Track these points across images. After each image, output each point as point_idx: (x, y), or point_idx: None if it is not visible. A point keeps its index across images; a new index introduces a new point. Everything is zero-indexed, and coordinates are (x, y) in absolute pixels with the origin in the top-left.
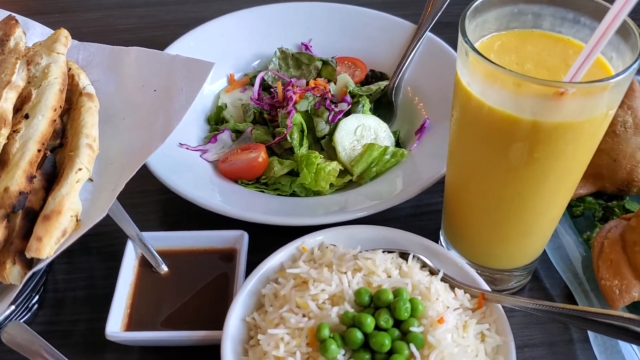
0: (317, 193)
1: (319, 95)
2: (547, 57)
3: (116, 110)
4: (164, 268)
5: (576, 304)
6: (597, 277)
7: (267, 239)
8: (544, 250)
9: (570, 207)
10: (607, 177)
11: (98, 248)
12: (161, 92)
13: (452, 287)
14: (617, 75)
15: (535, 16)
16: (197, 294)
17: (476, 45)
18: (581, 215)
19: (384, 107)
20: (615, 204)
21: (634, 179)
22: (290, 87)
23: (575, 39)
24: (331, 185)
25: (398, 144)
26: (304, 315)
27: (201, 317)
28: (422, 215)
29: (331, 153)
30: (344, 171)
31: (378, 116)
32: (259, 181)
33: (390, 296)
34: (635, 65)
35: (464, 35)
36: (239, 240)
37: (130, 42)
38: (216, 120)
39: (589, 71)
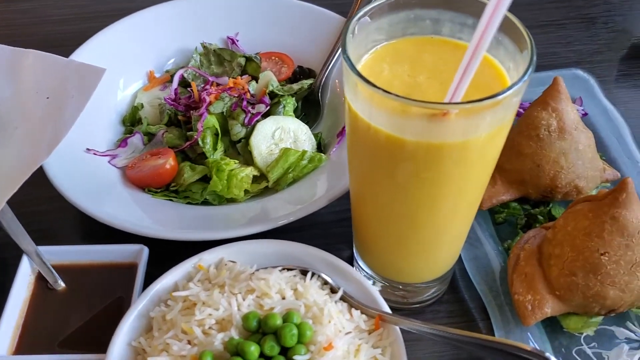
0: (232, 200)
1: (236, 95)
2: (443, 67)
3: (10, 118)
4: (61, 284)
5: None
6: (511, 292)
7: (171, 252)
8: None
9: (493, 213)
10: (530, 183)
11: None
12: (53, 100)
13: (352, 307)
14: (501, 93)
15: (434, 22)
16: (94, 312)
17: (368, 54)
18: (504, 222)
19: (310, 107)
20: (538, 210)
21: (558, 186)
22: (208, 87)
23: None
24: (247, 192)
25: (320, 147)
26: (189, 342)
27: (97, 339)
28: (343, 221)
29: (247, 158)
30: (262, 177)
31: (305, 116)
32: (169, 189)
33: (278, 321)
34: (521, 83)
35: (345, 51)
36: (139, 255)
37: (65, 34)
38: (132, 122)
39: (486, 84)
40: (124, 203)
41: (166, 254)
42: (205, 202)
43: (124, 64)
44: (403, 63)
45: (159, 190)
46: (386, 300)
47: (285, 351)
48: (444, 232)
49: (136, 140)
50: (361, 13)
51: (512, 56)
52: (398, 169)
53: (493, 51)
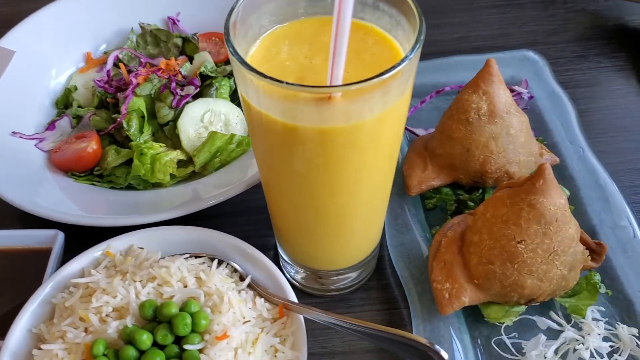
0: (158, 185)
1: (166, 77)
2: None
3: None
4: None
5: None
6: (430, 279)
7: (90, 239)
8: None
9: (424, 199)
10: (460, 168)
11: None
12: None
13: (258, 296)
14: (383, 74)
15: None
16: (7, 298)
17: (267, 34)
18: (434, 208)
19: None
20: (468, 196)
21: (488, 171)
22: (140, 68)
23: (378, 26)
24: (174, 176)
25: None
26: (85, 329)
27: (4, 325)
28: None
29: (175, 141)
30: (190, 161)
31: None
32: (93, 173)
33: (174, 310)
34: (403, 64)
35: (228, 38)
36: (53, 240)
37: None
38: (65, 104)
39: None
40: (44, 187)
41: (85, 240)
42: (131, 187)
43: (60, 45)
44: (302, 44)
45: (83, 175)
46: (309, 288)
47: (180, 340)
48: (350, 219)
49: (64, 123)
50: None
51: (408, 36)
52: (293, 156)
53: (393, 32)
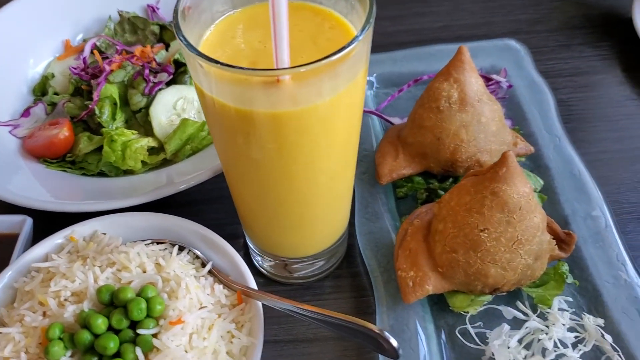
0: (129, 172)
1: (140, 64)
2: (297, 34)
3: None
4: None
5: None
6: (395, 267)
7: (60, 224)
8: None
9: (395, 187)
10: (431, 157)
11: None
12: None
13: (218, 282)
14: (328, 57)
15: None
16: None
17: (221, 19)
18: (405, 197)
19: None
20: (439, 185)
21: (458, 160)
22: (115, 56)
23: (335, 11)
24: (145, 163)
25: None
26: (44, 313)
27: None
28: None
29: (148, 129)
30: (162, 148)
31: None
32: (65, 159)
33: (130, 295)
34: (350, 47)
35: (176, 17)
36: (21, 225)
37: None
38: (42, 91)
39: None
40: (15, 173)
41: (54, 226)
42: (103, 174)
43: (39, 33)
44: (257, 29)
45: (55, 161)
46: (277, 276)
47: (136, 324)
48: (311, 206)
49: (39, 110)
50: None
51: (362, 20)
52: (248, 142)
53: (349, 16)
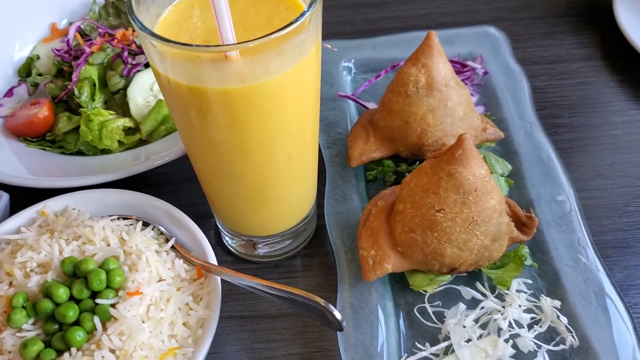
0: (106, 151)
1: (120, 47)
2: (254, 14)
3: None
4: None
5: None
6: (358, 246)
7: (34, 201)
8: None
9: (365, 170)
10: (400, 141)
11: None
12: None
13: (181, 257)
14: (272, 33)
15: None
16: None
17: (178, 0)
18: (374, 179)
19: None
20: (405, 168)
21: (425, 143)
22: (97, 38)
23: None
24: (122, 143)
25: None
26: (10, 283)
27: None
28: None
29: (126, 109)
30: (138, 129)
31: None
32: (45, 138)
33: (91, 266)
34: (296, 24)
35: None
36: None
37: None
38: (27, 73)
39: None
40: None
41: (30, 202)
42: (81, 153)
43: (26, 16)
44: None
45: (35, 140)
46: (247, 255)
47: (96, 295)
48: (271, 185)
49: (21, 90)
50: None
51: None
52: (201, 119)
53: None
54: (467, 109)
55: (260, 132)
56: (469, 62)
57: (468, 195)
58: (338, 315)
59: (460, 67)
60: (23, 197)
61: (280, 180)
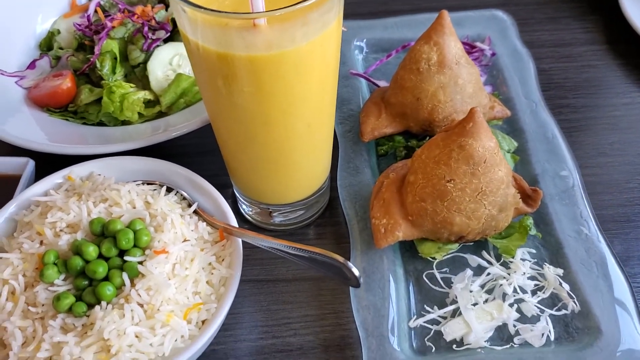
0: (127, 123)
1: (140, 22)
2: None
3: None
4: None
5: None
6: (370, 216)
7: (57, 167)
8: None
9: (377, 145)
10: (411, 117)
11: None
12: None
13: (203, 221)
14: (297, 3)
15: None
16: None
17: None
18: (385, 154)
19: None
20: (416, 143)
21: (435, 119)
22: (117, 14)
23: None
24: (142, 115)
25: None
26: (41, 242)
27: None
28: None
29: (145, 83)
30: (158, 101)
31: None
32: (67, 109)
33: (119, 226)
34: None
35: None
36: (24, 167)
37: None
38: (48, 46)
39: None
40: (19, 119)
41: (54, 168)
42: (102, 124)
43: None
44: None
45: (58, 111)
46: (262, 223)
47: (124, 253)
48: (290, 153)
49: (44, 62)
50: None
51: None
52: (227, 85)
53: None
54: (476, 87)
55: (283, 100)
56: (478, 43)
57: (477, 167)
58: (356, 272)
59: (469, 48)
60: (46, 165)
61: (299, 148)
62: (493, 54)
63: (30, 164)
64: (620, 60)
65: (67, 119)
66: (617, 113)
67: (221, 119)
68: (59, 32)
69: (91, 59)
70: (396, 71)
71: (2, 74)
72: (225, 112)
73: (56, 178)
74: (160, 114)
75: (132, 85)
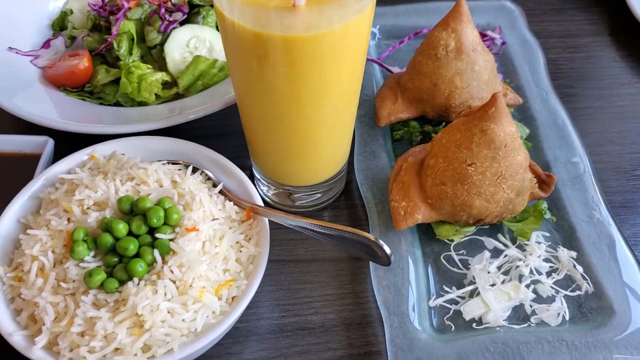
0: (143, 104)
1: (157, 4)
2: None
3: None
4: None
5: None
6: (389, 199)
7: (77, 146)
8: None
9: (392, 130)
10: (427, 102)
11: None
12: None
13: (228, 200)
14: None
15: None
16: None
17: None
18: (401, 139)
19: None
20: (432, 129)
21: (452, 105)
22: None
23: None
24: (159, 97)
25: None
26: (68, 219)
27: None
28: None
29: (162, 64)
30: (174, 83)
31: None
32: (84, 89)
33: (149, 204)
34: None
35: None
36: (44, 146)
37: None
38: (61, 26)
39: None
40: (37, 99)
41: (73, 147)
42: (119, 105)
43: None
44: None
45: (74, 90)
46: (280, 204)
47: (154, 231)
48: (316, 134)
49: (58, 42)
50: None
51: None
52: (260, 65)
53: None
54: (492, 74)
55: (315, 81)
56: (489, 32)
57: (498, 151)
58: (387, 250)
59: (480, 36)
60: (65, 145)
61: (324, 131)
62: (503, 43)
63: (50, 142)
64: (625, 52)
65: (83, 99)
66: (622, 103)
67: (250, 99)
68: (71, 12)
69: (109, 39)
70: (413, 57)
71: (17, 52)
72: (256, 93)
73: (79, 156)
74: (177, 96)
75: (149, 66)
